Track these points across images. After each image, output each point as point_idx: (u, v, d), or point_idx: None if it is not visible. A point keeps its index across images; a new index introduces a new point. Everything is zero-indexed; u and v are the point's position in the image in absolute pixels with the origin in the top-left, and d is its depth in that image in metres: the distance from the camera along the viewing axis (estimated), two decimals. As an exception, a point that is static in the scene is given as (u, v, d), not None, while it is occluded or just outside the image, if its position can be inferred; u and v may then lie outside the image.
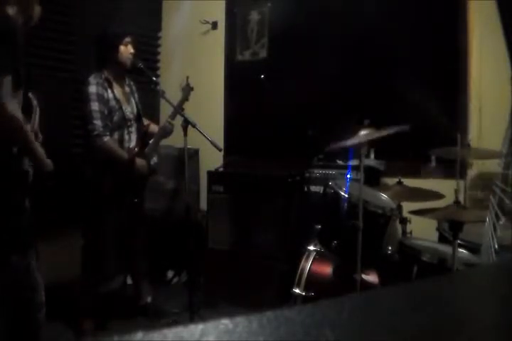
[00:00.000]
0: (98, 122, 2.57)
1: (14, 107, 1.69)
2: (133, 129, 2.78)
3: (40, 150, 1.81)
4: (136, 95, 2.89)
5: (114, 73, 2.72)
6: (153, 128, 2.89)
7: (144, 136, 2.80)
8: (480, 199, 2.61)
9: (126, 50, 2.71)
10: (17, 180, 1.76)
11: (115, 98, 2.68)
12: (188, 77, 2.84)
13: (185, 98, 2.81)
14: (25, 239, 1.82)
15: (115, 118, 2.67)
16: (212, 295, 3.16)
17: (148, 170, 2.79)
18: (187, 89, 2.82)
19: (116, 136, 2.69)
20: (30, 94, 1.89)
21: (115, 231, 2.71)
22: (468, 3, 2.93)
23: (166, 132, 2.80)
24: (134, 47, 2.76)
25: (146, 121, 2.93)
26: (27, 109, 1.84)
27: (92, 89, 2.60)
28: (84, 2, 3.48)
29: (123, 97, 2.76)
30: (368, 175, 2.46)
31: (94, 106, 2.58)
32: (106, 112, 2.62)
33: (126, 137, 2.74)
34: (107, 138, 2.59)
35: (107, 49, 2.68)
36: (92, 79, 2.62)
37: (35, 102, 1.91)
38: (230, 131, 3.92)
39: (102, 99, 2.61)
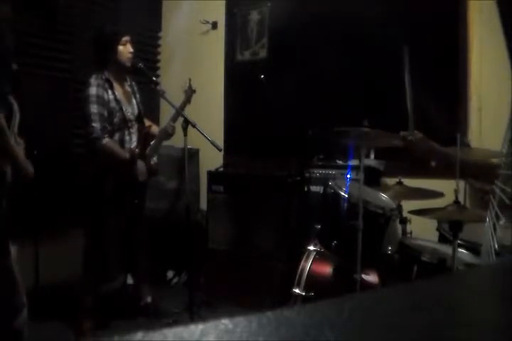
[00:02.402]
0: (96, 124, 2.57)
1: None
2: (134, 130, 2.78)
3: (21, 157, 1.80)
4: (137, 95, 2.88)
5: (114, 73, 2.71)
6: (155, 129, 2.89)
7: (145, 137, 2.80)
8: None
9: (125, 50, 2.70)
10: None
11: (116, 99, 2.67)
12: (190, 80, 2.84)
13: (186, 100, 2.81)
14: (2, 239, 1.81)
15: (115, 119, 2.66)
16: (212, 295, 3.16)
17: (148, 173, 2.78)
18: (189, 92, 2.82)
19: (116, 137, 2.68)
20: (11, 98, 1.87)
21: (116, 231, 2.70)
22: (468, 3, 2.93)
23: (167, 134, 2.79)
24: (133, 45, 2.75)
25: (147, 122, 2.93)
26: (7, 114, 1.82)
27: (92, 91, 2.59)
28: (84, 2, 3.48)
29: (124, 98, 2.76)
30: (368, 175, 2.46)
31: (93, 108, 2.57)
32: (105, 114, 2.61)
33: (127, 138, 2.73)
34: (105, 140, 2.58)
35: (106, 49, 2.67)
36: (92, 80, 2.62)
37: (15, 106, 1.89)
38: (230, 131, 3.92)
39: (102, 101, 2.60)
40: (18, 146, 1.85)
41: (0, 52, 1.68)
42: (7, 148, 1.74)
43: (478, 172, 1.91)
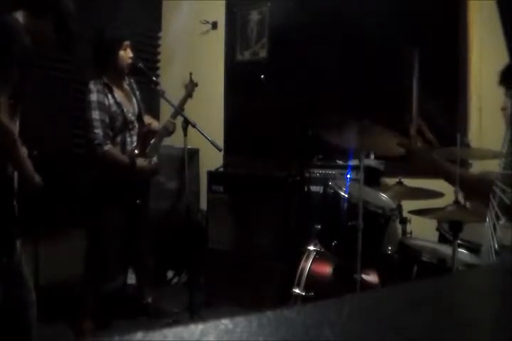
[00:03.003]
0: (98, 131, 2.57)
1: (8, 121, 1.68)
2: (135, 131, 2.78)
3: (28, 165, 1.79)
4: (137, 92, 2.88)
5: (113, 77, 2.70)
6: (155, 125, 2.89)
7: (144, 136, 2.79)
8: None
9: (126, 54, 2.69)
10: (2, 185, 1.76)
11: (116, 102, 2.67)
12: (191, 74, 2.83)
13: (188, 95, 2.81)
14: (12, 239, 1.82)
15: (117, 123, 2.66)
16: (212, 295, 3.16)
17: (150, 170, 2.79)
18: (190, 86, 2.81)
19: (119, 139, 2.69)
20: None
21: (119, 232, 2.70)
22: (468, 3, 2.93)
23: (168, 131, 2.80)
24: (133, 49, 2.74)
25: (149, 119, 2.92)
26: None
27: (93, 97, 2.58)
28: (84, 2, 3.48)
29: (124, 99, 2.75)
30: (368, 175, 2.45)
31: (95, 114, 2.57)
32: (107, 120, 2.61)
33: (129, 140, 2.74)
34: (107, 147, 2.59)
35: (106, 55, 2.66)
36: (92, 86, 2.61)
37: (18, 107, 1.88)
38: (230, 131, 3.92)
39: (103, 107, 2.60)
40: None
41: (15, 55, 1.69)
42: (18, 159, 1.74)
43: (473, 189, 1.89)
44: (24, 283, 1.87)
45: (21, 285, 1.86)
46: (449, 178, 1.75)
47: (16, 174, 1.80)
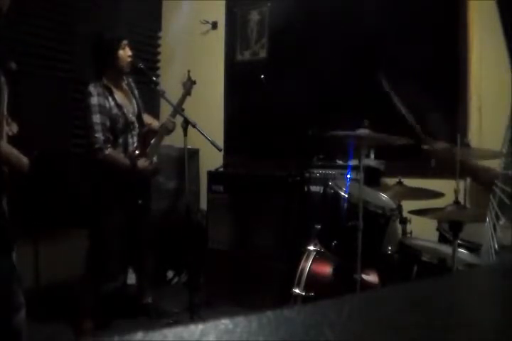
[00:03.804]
0: (99, 135, 2.56)
1: None
2: (136, 131, 2.78)
3: (12, 153, 1.69)
4: (136, 91, 2.87)
5: (113, 78, 2.69)
6: (155, 125, 2.88)
7: (145, 136, 2.79)
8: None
9: (125, 54, 2.69)
10: None
11: (117, 104, 2.66)
12: (189, 71, 2.83)
13: (187, 93, 2.80)
14: (3, 239, 1.80)
15: (119, 124, 2.66)
16: (212, 295, 3.16)
17: (151, 170, 2.78)
18: (189, 84, 2.80)
19: (120, 140, 2.68)
20: None
21: (119, 232, 2.70)
22: (468, 3, 2.93)
23: (167, 130, 2.79)
24: (131, 48, 2.74)
25: (149, 119, 2.92)
26: None
27: (94, 100, 2.57)
28: (84, 2, 3.48)
29: (124, 100, 2.74)
30: (368, 175, 2.45)
31: (96, 118, 2.56)
32: (108, 123, 2.60)
33: (130, 140, 2.73)
34: (108, 151, 2.58)
35: (106, 55, 2.65)
36: (92, 89, 2.59)
37: (2, 79, 1.71)
38: (230, 131, 3.92)
39: (104, 110, 2.59)
40: (11, 127, 1.78)
41: None
42: None
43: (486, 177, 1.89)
44: (15, 285, 1.85)
45: (12, 286, 1.84)
46: (476, 176, 1.75)
47: (6, 170, 1.75)
